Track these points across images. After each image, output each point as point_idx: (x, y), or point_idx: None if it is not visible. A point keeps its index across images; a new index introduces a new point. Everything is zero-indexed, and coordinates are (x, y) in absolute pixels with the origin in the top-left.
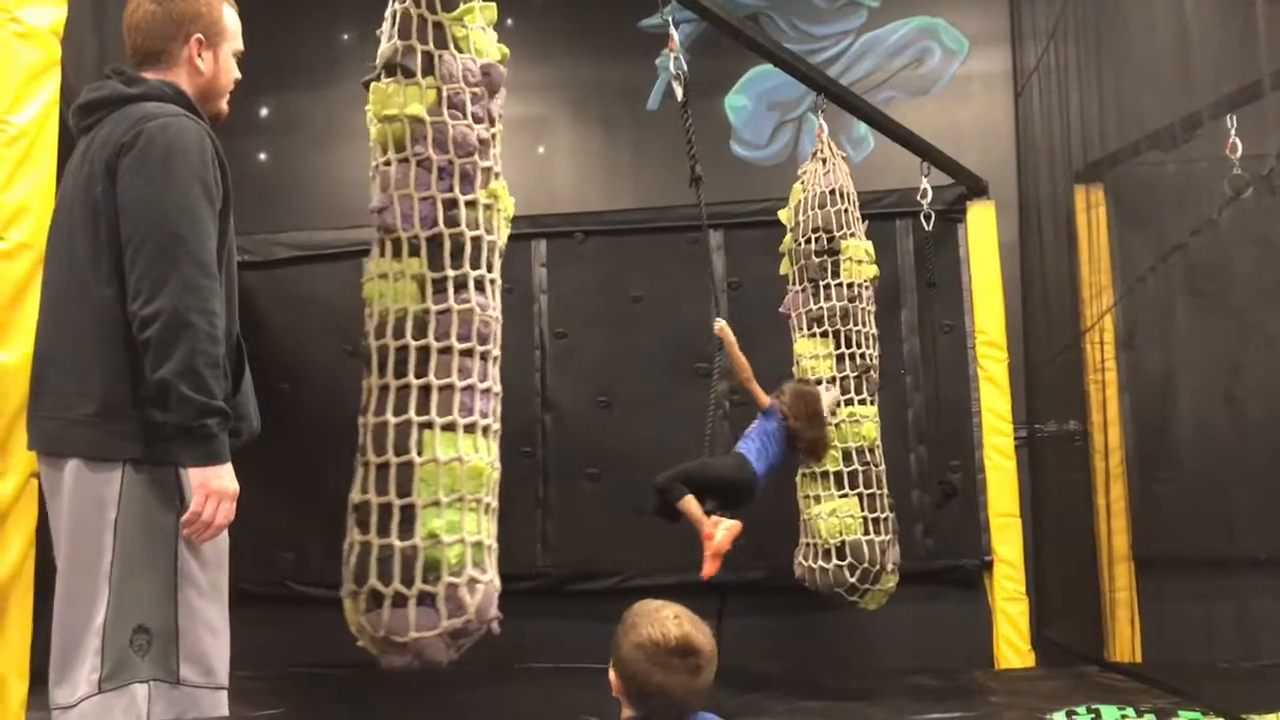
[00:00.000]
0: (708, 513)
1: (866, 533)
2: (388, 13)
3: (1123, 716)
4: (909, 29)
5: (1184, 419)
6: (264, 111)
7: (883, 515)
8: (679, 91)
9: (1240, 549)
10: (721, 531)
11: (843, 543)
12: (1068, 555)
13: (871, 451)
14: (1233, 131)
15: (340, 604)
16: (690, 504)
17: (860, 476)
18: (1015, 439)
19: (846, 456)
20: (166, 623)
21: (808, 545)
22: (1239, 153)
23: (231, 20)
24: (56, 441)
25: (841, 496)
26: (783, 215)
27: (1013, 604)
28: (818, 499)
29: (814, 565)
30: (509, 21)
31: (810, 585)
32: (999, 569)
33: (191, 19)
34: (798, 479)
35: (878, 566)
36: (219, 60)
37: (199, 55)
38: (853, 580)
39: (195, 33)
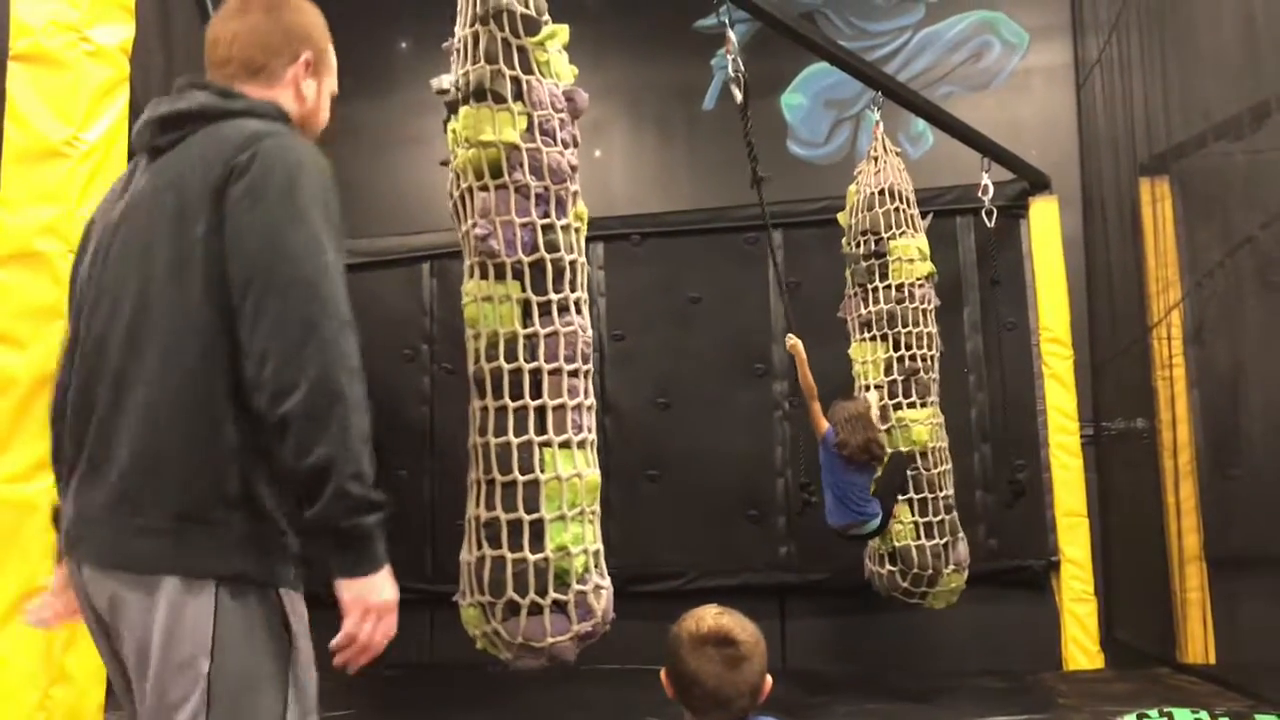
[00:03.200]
0: None
1: (918, 538)
2: (463, 33)
3: (1196, 719)
4: (967, 23)
5: (1256, 415)
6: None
7: (937, 519)
8: (738, 94)
9: None
10: None
11: (893, 550)
12: (1137, 555)
13: (924, 455)
14: None
15: (409, 604)
16: None
17: (911, 482)
18: (1081, 437)
19: None
20: None
21: (870, 547)
22: None
23: (334, 58)
24: (145, 557)
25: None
26: (841, 218)
27: (1081, 604)
28: None
29: (875, 569)
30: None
31: (875, 587)
32: (1066, 569)
33: (303, 38)
34: None
35: (930, 571)
36: (321, 92)
37: (306, 77)
38: (906, 585)
39: (306, 52)
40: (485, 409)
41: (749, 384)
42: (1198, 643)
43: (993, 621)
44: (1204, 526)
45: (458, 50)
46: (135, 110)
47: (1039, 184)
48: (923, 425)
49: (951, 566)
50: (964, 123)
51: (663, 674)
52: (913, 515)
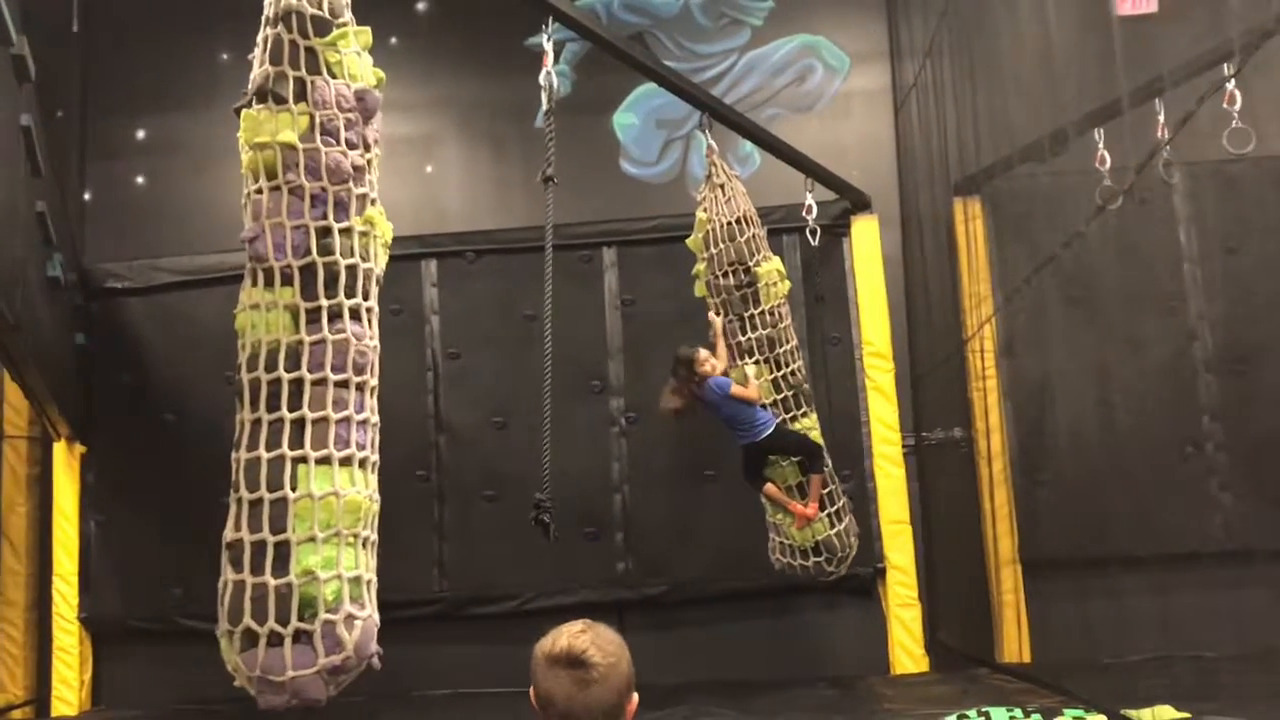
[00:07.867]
0: None
1: (832, 526)
2: (259, 38)
3: (1011, 718)
4: (791, 47)
5: (1061, 424)
6: (141, 134)
7: (837, 505)
8: (545, 100)
9: (1117, 549)
10: None
11: (817, 543)
12: (957, 560)
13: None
14: (1100, 145)
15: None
16: None
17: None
18: (904, 447)
19: (802, 467)
20: None
21: (783, 544)
22: (1108, 165)
23: None
24: None
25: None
26: (691, 244)
27: (906, 610)
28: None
29: (794, 562)
30: (393, 40)
31: (791, 574)
32: (892, 575)
33: None
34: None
35: (848, 549)
36: None
37: None
38: (832, 570)
39: None
40: (243, 422)
41: (585, 401)
42: (1013, 643)
43: (825, 629)
44: (1018, 531)
45: (256, 56)
46: None
47: (860, 203)
48: (816, 429)
49: (853, 538)
50: (788, 144)
51: (530, 691)
52: (824, 509)
